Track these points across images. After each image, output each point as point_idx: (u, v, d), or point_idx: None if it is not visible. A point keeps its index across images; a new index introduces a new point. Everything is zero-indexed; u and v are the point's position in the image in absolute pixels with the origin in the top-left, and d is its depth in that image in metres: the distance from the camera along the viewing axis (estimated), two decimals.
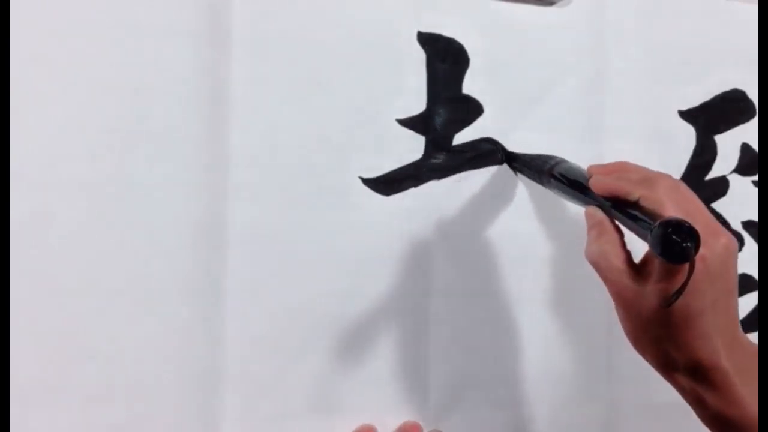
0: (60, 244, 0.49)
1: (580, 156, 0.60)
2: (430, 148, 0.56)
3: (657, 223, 0.38)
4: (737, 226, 0.64)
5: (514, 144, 0.58)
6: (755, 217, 0.64)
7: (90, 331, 0.50)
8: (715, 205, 0.64)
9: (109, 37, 0.50)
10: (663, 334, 0.41)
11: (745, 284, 0.64)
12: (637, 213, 0.43)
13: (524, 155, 0.57)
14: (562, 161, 0.54)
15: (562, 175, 0.51)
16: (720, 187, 0.64)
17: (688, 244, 0.37)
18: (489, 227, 0.58)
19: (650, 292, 0.41)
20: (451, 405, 0.57)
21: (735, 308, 0.43)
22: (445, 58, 0.57)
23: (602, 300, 0.61)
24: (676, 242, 0.37)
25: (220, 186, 0.52)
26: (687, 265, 0.39)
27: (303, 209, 0.54)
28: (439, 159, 0.57)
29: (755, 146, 0.64)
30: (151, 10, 0.51)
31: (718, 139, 0.64)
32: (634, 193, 0.43)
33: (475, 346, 0.58)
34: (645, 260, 0.44)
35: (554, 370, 0.60)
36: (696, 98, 0.63)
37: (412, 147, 0.56)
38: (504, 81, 0.58)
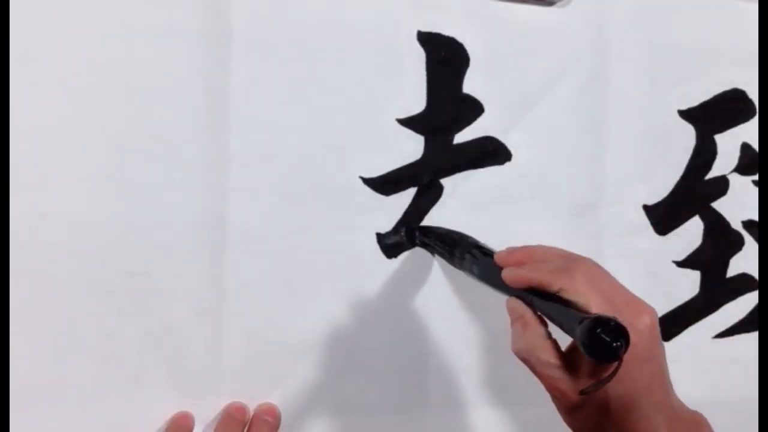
0: (60, 244, 0.49)
1: (580, 156, 0.60)
2: (430, 148, 0.56)
3: (583, 321, 0.37)
4: (737, 226, 0.64)
5: (515, 144, 0.58)
6: (755, 217, 0.64)
7: (90, 331, 0.50)
8: (715, 205, 0.64)
9: (109, 37, 0.50)
10: (604, 421, 0.41)
11: (745, 284, 0.64)
12: (558, 305, 0.41)
13: (436, 230, 0.56)
14: (472, 245, 0.52)
15: (475, 266, 0.50)
16: (720, 186, 0.64)
17: (618, 343, 0.36)
18: (489, 227, 0.58)
19: (584, 383, 0.41)
20: (451, 405, 0.57)
21: (668, 382, 0.42)
22: (445, 58, 0.57)
23: None
24: (605, 342, 0.36)
25: (220, 186, 0.52)
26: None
27: (303, 209, 0.54)
28: (439, 159, 0.57)
29: (755, 146, 0.64)
30: (151, 10, 0.51)
31: (718, 138, 0.64)
32: (553, 284, 0.41)
33: (475, 345, 0.58)
34: (572, 348, 0.43)
35: None
36: (696, 98, 0.63)
37: (412, 147, 0.56)
38: (504, 81, 0.58)
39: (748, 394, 0.61)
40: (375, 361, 0.56)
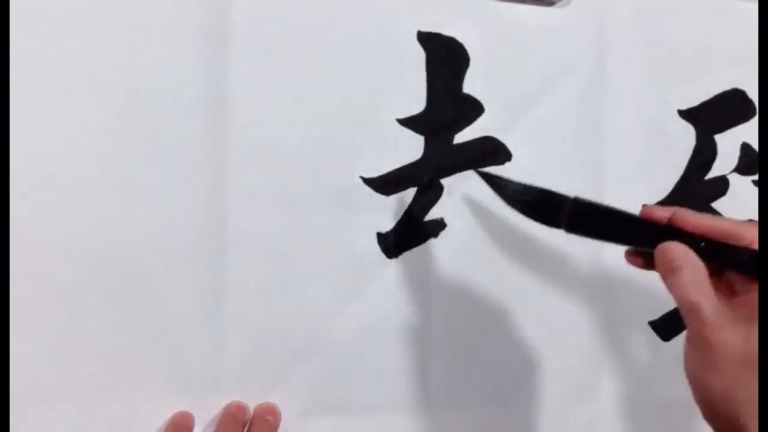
0: (60, 243, 0.49)
1: (580, 156, 0.60)
2: (430, 148, 0.56)
3: None
4: None
5: (515, 144, 0.58)
6: (755, 217, 0.64)
7: (90, 331, 0.50)
8: (715, 205, 0.64)
9: (109, 37, 0.50)
10: (752, 381, 0.40)
11: None
12: (740, 251, 0.42)
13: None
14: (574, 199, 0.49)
15: (583, 221, 0.47)
16: (720, 186, 0.64)
17: None
18: (488, 227, 0.58)
19: (747, 332, 0.40)
20: (451, 405, 0.57)
21: None
22: (445, 58, 0.57)
23: (600, 299, 0.61)
24: None
25: (220, 186, 0.52)
26: None
27: (303, 209, 0.54)
28: (439, 159, 0.57)
29: (755, 146, 0.64)
30: (151, 10, 0.51)
31: (718, 138, 0.64)
32: (745, 235, 0.42)
33: (474, 345, 0.58)
34: (740, 302, 0.42)
35: (554, 370, 0.60)
36: (696, 98, 0.63)
37: (412, 147, 0.56)
38: (504, 81, 0.58)
39: None
40: (375, 361, 0.56)
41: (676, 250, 0.43)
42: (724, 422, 0.42)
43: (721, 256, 0.43)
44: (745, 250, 0.42)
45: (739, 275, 0.43)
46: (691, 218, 0.44)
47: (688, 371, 0.43)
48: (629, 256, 0.48)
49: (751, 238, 0.42)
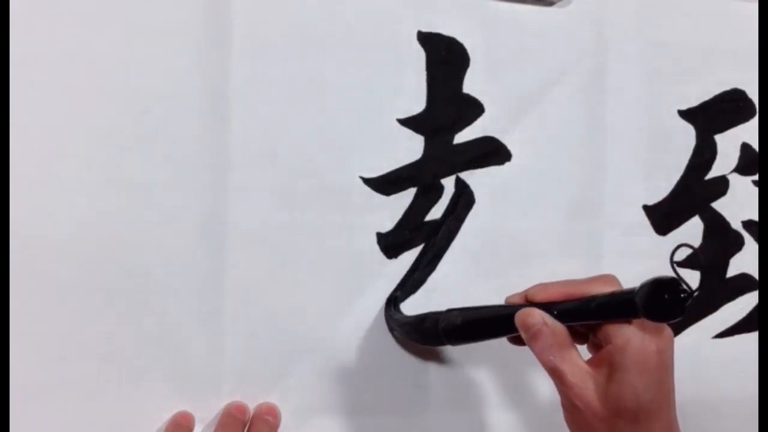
0: (60, 243, 0.49)
1: (580, 156, 0.60)
2: (430, 148, 0.56)
3: (640, 288, 0.38)
4: (737, 226, 0.64)
5: (515, 144, 0.58)
6: (755, 217, 0.64)
7: (89, 331, 0.50)
8: (715, 205, 0.64)
9: (109, 37, 0.50)
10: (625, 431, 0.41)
11: (745, 284, 0.64)
12: (599, 297, 0.42)
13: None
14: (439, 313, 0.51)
15: (459, 317, 0.49)
16: (720, 186, 0.64)
17: (684, 294, 0.38)
18: (487, 227, 0.58)
19: (612, 390, 0.41)
20: (451, 405, 0.57)
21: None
22: (445, 58, 0.57)
23: None
24: (670, 299, 0.37)
25: (220, 186, 0.52)
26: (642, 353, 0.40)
27: (303, 209, 0.54)
28: (439, 159, 0.57)
29: (755, 146, 0.64)
30: (151, 10, 0.51)
31: (718, 138, 0.64)
32: (591, 289, 0.43)
33: (474, 346, 0.58)
34: (597, 359, 0.43)
35: None
36: (696, 98, 0.63)
37: (412, 147, 0.56)
38: (504, 81, 0.58)
39: (748, 394, 0.61)
40: (375, 361, 0.56)
41: (533, 316, 0.43)
42: None
43: (574, 314, 0.43)
44: (591, 298, 0.42)
45: (600, 327, 0.43)
46: (540, 293, 0.44)
47: (568, 427, 0.44)
48: (512, 341, 0.48)
49: (596, 291, 0.42)
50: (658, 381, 0.41)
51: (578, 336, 0.45)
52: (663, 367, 0.41)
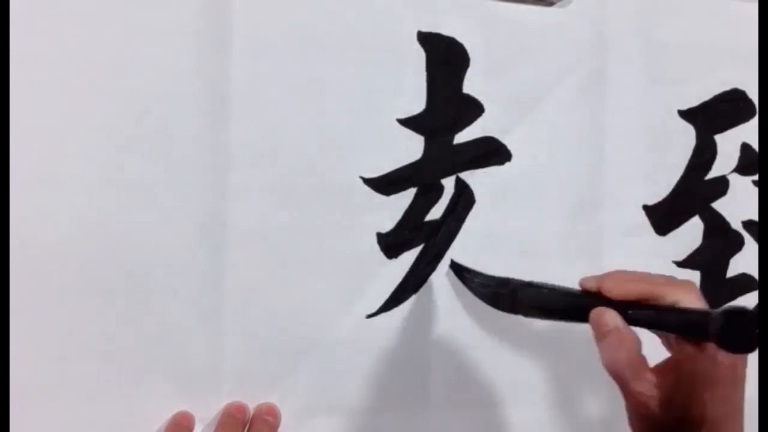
0: (60, 243, 0.49)
1: (580, 156, 0.60)
2: (430, 148, 0.56)
3: (713, 315, 0.38)
4: (737, 226, 0.64)
5: (515, 144, 0.58)
6: (755, 217, 0.64)
7: (89, 331, 0.50)
8: (715, 205, 0.64)
9: (109, 37, 0.50)
10: None
11: (745, 284, 0.64)
12: (672, 312, 0.42)
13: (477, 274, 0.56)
14: (523, 282, 0.52)
15: (535, 298, 0.50)
16: (720, 186, 0.64)
17: (757, 331, 0.37)
18: (489, 227, 0.58)
19: (676, 398, 0.40)
20: (451, 405, 0.57)
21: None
22: (445, 58, 0.57)
23: None
24: (744, 331, 0.37)
25: (220, 186, 0.52)
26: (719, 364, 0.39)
27: (303, 209, 0.54)
28: (439, 159, 0.57)
29: (755, 146, 0.64)
30: (151, 10, 0.51)
31: (718, 138, 0.64)
32: (668, 295, 0.42)
33: (474, 346, 0.58)
34: (666, 367, 0.42)
35: (553, 370, 0.60)
36: (696, 98, 0.63)
37: (412, 147, 0.56)
38: (504, 81, 0.58)
39: (748, 394, 0.61)
40: (375, 360, 0.56)
41: (604, 316, 0.43)
42: None
43: (647, 321, 0.43)
44: (668, 310, 0.42)
45: (672, 336, 0.43)
46: (615, 289, 0.44)
47: (630, 428, 0.44)
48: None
49: (673, 297, 0.42)
50: (727, 396, 0.40)
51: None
52: (734, 382, 0.40)
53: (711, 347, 0.40)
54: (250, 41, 0.52)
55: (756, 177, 0.65)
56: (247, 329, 0.53)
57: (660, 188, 0.62)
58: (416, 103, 0.56)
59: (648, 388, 0.41)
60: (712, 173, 0.64)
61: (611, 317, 0.42)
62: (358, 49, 0.55)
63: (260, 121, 0.53)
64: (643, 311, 0.43)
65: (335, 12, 0.54)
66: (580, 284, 0.46)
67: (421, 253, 0.56)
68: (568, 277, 0.60)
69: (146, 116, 0.51)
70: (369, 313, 0.55)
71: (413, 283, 0.56)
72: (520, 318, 0.58)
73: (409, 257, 0.56)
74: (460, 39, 0.57)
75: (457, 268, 0.56)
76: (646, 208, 0.62)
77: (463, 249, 0.57)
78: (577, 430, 0.60)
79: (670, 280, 0.43)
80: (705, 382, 0.40)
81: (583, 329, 0.60)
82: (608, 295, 0.44)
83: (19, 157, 0.48)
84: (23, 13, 0.48)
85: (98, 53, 0.50)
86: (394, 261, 0.56)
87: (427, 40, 0.56)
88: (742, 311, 0.38)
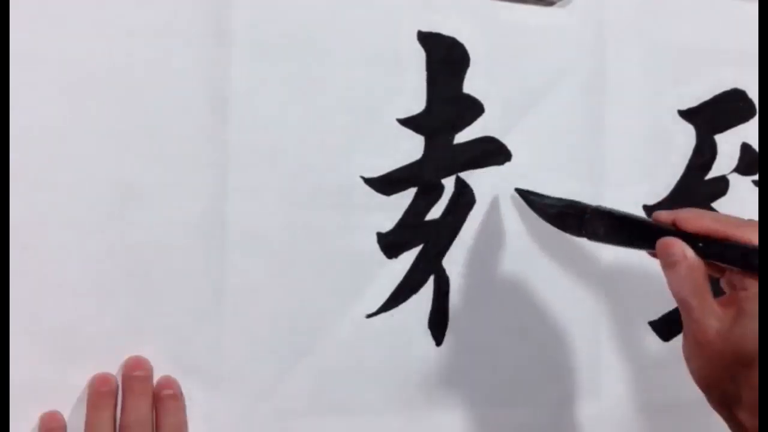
0: (60, 244, 0.49)
1: (580, 156, 0.60)
2: (430, 148, 0.56)
3: None
4: None
5: (515, 144, 0.58)
6: (755, 217, 0.64)
7: (89, 331, 0.50)
8: (715, 205, 0.64)
9: (109, 38, 0.50)
10: (740, 376, 0.42)
11: None
12: (737, 246, 0.43)
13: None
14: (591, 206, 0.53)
15: (602, 224, 0.51)
16: (720, 186, 0.64)
17: None
18: (486, 227, 0.58)
19: (734, 331, 0.42)
20: (452, 405, 0.57)
21: None
22: (445, 58, 0.57)
23: (600, 298, 0.61)
24: None
25: (220, 186, 0.52)
26: None
27: (303, 209, 0.54)
28: (439, 159, 0.57)
29: (755, 146, 0.64)
30: (151, 10, 0.51)
31: (718, 138, 0.64)
32: (743, 236, 0.44)
33: (476, 346, 0.58)
34: (729, 300, 0.44)
35: (554, 369, 0.60)
36: (696, 98, 0.63)
37: (412, 147, 0.56)
38: (504, 81, 0.58)
39: None
40: (375, 361, 0.56)
41: (675, 245, 0.45)
42: (719, 407, 0.44)
43: (718, 254, 0.44)
44: (740, 246, 0.44)
45: (737, 273, 0.44)
46: (692, 221, 0.46)
47: (685, 358, 0.45)
48: (650, 253, 0.50)
49: (748, 236, 0.44)
50: None
51: (716, 269, 0.46)
52: None
53: None
54: (250, 41, 0.52)
55: (756, 177, 0.65)
56: (247, 329, 0.53)
57: (660, 188, 0.62)
58: (416, 103, 0.56)
59: (710, 317, 0.43)
60: (712, 173, 0.64)
61: (680, 246, 0.44)
62: (358, 49, 0.55)
63: (260, 121, 0.53)
64: (714, 245, 0.44)
65: (335, 12, 0.54)
66: (654, 217, 0.48)
67: (421, 253, 0.57)
68: (569, 277, 0.60)
69: (146, 116, 0.51)
70: (369, 313, 0.55)
71: (413, 283, 0.56)
72: (523, 317, 0.58)
73: (409, 257, 0.56)
74: (460, 39, 0.57)
75: (523, 192, 0.57)
76: (646, 208, 0.62)
77: (463, 249, 0.57)
78: (578, 430, 0.60)
79: (742, 222, 0.45)
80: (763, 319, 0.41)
81: (587, 328, 0.60)
82: (682, 226, 0.46)
83: (19, 156, 0.48)
84: (23, 13, 0.48)
85: (98, 53, 0.50)
86: (394, 261, 0.56)
87: (428, 40, 0.56)
88: None
